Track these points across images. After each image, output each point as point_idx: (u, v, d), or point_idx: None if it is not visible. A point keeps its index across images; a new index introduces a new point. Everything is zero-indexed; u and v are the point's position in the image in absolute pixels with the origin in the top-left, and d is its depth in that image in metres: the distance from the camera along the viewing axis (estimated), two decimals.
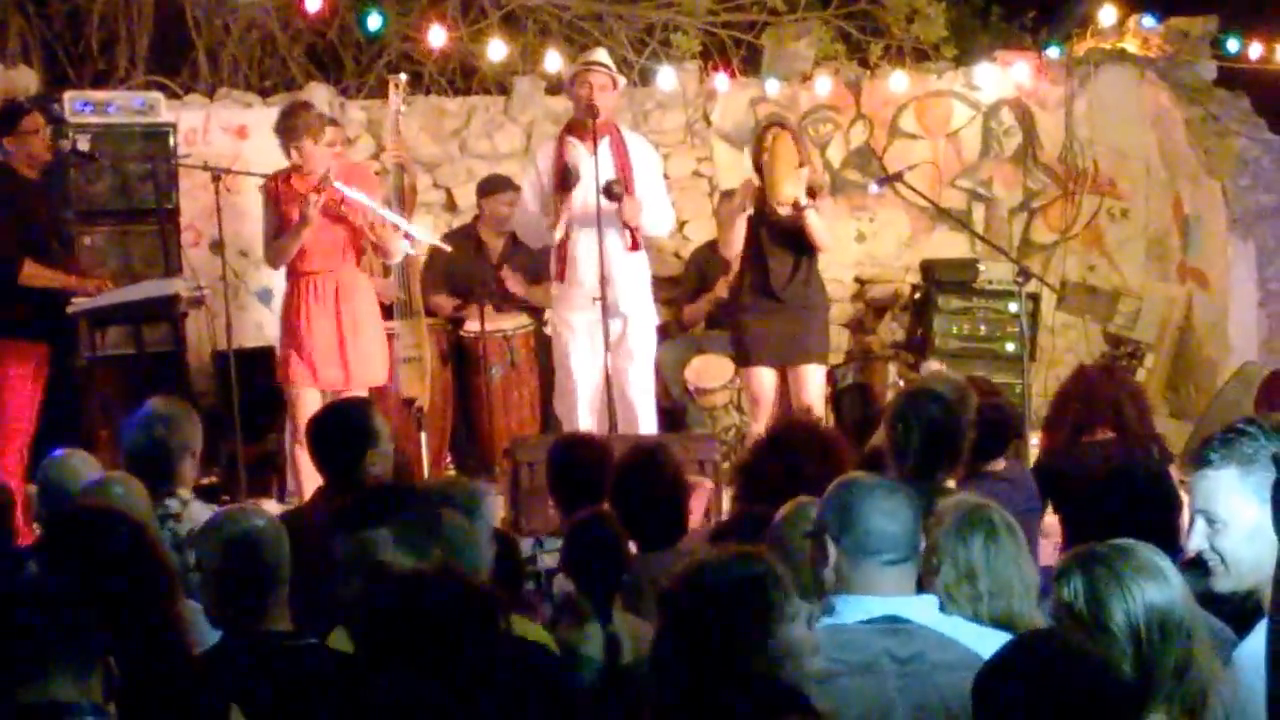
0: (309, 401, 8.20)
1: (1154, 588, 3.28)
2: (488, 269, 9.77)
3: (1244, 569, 3.03)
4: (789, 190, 8.33)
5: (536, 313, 9.73)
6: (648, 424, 8.50)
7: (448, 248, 9.30)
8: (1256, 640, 3.12)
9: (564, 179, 8.32)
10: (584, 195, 8.30)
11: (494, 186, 10.06)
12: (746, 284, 8.62)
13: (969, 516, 4.08)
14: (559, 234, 8.38)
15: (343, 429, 5.70)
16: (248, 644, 4.11)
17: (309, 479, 8.27)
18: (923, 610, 3.86)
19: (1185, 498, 5.12)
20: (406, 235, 8.47)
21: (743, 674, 3.27)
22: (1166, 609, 3.27)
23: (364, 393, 8.27)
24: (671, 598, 3.41)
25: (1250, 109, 11.25)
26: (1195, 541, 3.43)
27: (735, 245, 8.53)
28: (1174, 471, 6.38)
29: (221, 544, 4.21)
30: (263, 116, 9.32)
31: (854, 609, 3.76)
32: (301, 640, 4.18)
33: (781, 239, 8.48)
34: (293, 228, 8.13)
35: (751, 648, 3.30)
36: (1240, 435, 3.36)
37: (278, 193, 8.26)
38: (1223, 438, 3.38)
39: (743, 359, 8.71)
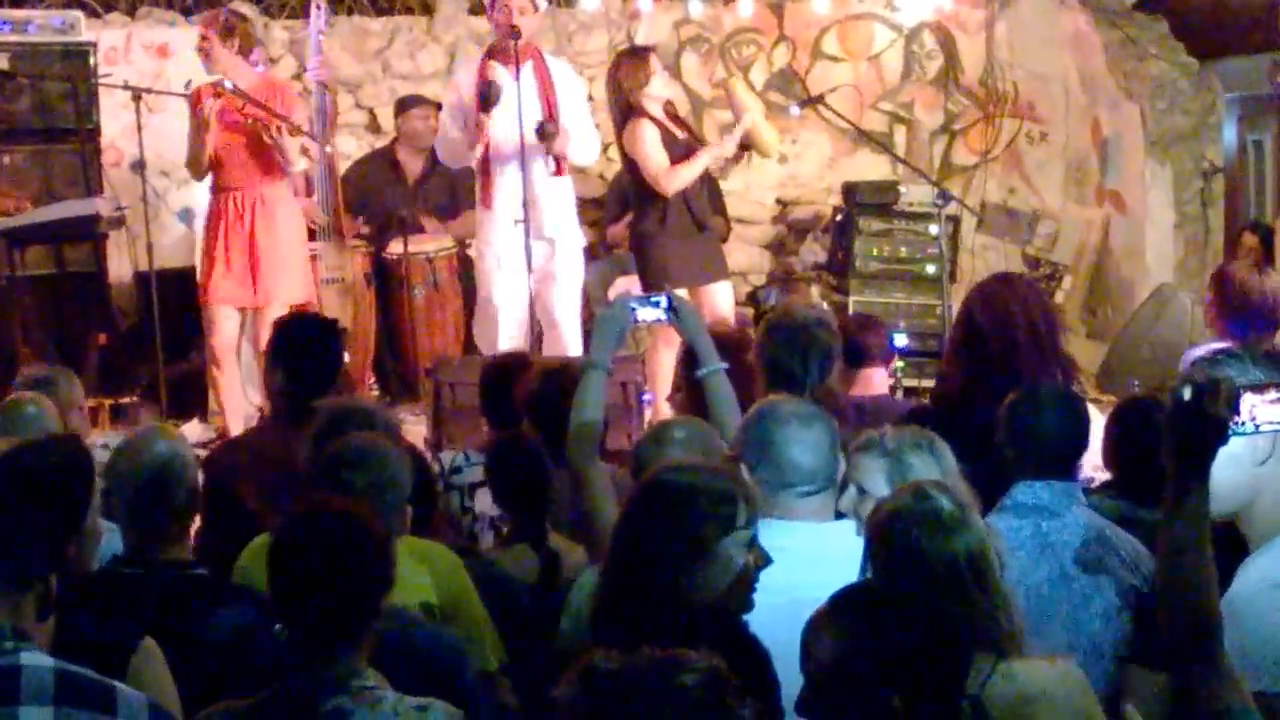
0: (223, 319, 8.20)
1: (964, 533, 3.32)
2: (404, 192, 9.76)
3: (1221, 492, 3.03)
4: (771, 135, 8.52)
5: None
6: (573, 346, 8.50)
7: (333, 149, 9.23)
8: (1244, 581, 3.12)
9: (485, 97, 8.22)
10: (507, 122, 8.17)
11: (409, 103, 10.08)
12: (674, 209, 8.39)
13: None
14: (478, 152, 8.36)
15: (318, 354, 5.54)
16: (144, 571, 4.04)
17: (231, 398, 8.32)
18: (840, 537, 3.89)
19: (1100, 417, 5.23)
20: (304, 150, 8.40)
21: (688, 590, 3.30)
22: (978, 552, 3.31)
23: (281, 311, 8.26)
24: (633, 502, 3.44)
25: (1168, 32, 11.30)
26: None
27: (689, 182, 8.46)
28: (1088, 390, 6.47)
29: (133, 471, 4.11)
30: (185, 35, 9.28)
31: (773, 534, 3.65)
32: (197, 570, 4.14)
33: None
34: (191, 133, 8.14)
35: (695, 559, 3.31)
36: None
37: (195, 102, 8.24)
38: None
39: (658, 282, 8.10)
